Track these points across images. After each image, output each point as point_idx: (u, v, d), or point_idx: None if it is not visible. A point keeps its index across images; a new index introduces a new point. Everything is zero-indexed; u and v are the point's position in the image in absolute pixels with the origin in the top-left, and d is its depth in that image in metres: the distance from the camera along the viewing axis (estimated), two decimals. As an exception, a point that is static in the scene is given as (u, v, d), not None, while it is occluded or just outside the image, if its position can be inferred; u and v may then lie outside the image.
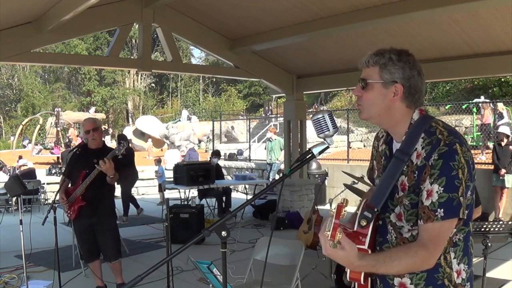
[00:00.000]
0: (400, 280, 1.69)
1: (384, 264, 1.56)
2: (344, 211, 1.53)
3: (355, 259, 1.53)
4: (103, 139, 4.78)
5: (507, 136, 8.70)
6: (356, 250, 1.54)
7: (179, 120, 26.76)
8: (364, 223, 1.61)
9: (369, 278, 1.73)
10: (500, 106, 12.73)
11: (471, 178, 1.59)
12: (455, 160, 1.55)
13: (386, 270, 1.58)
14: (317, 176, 10.98)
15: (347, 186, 5.58)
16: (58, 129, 22.42)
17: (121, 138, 9.49)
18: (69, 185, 4.60)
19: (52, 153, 20.23)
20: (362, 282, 1.64)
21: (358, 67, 1.76)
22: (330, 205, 6.88)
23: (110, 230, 4.57)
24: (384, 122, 1.75)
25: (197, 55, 45.24)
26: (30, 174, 11.55)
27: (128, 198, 9.62)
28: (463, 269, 1.68)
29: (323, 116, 1.70)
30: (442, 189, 1.55)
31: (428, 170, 1.58)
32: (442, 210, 1.55)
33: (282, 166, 11.81)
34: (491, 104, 12.78)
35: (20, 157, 14.99)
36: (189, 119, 26.10)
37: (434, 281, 1.65)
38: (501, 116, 12.40)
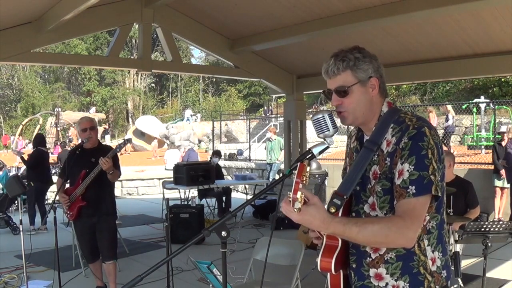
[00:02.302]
0: (375, 270, 1.71)
1: (356, 224, 1.55)
2: (307, 172, 1.53)
3: (326, 214, 1.53)
4: (102, 138, 4.79)
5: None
6: (324, 206, 1.55)
7: (180, 120, 26.79)
8: (333, 209, 1.62)
9: (341, 271, 1.74)
10: (448, 108, 12.84)
11: (440, 160, 1.63)
12: (424, 141, 1.61)
13: (358, 231, 1.54)
14: (317, 176, 10.97)
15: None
16: (58, 129, 22.44)
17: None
18: (67, 186, 4.58)
19: (51, 153, 20.22)
20: (333, 271, 1.64)
21: (325, 78, 1.78)
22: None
23: (108, 230, 4.51)
24: (367, 119, 1.77)
25: (197, 55, 45.27)
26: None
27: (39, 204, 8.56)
28: (438, 257, 1.69)
29: (323, 116, 1.71)
30: (413, 167, 1.59)
31: (399, 153, 1.63)
32: (413, 187, 1.58)
33: (282, 166, 11.81)
34: (491, 104, 12.80)
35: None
36: (193, 118, 26.19)
37: (410, 270, 1.67)
38: (447, 119, 12.53)
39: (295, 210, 1.48)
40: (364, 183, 1.73)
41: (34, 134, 23.68)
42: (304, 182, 1.51)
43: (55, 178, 11.78)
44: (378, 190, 1.69)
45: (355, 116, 1.75)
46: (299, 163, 1.56)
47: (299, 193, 1.47)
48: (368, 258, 1.72)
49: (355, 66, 1.70)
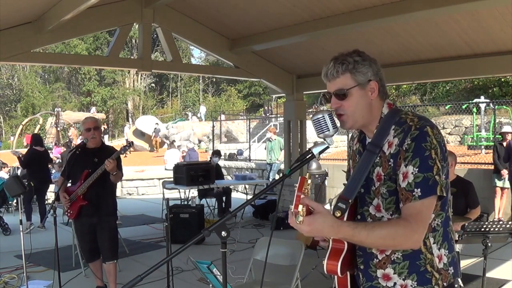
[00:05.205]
0: (383, 271, 1.72)
1: (364, 228, 1.57)
2: (308, 185, 1.55)
3: (334, 220, 1.54)
4: (102, 139, 4.79)
5: None
6: (330, 213, 1.56)
7: (180, 120, 26.82)
8: (338, 214, 1.63)
9: (348, 272, 1.74)
10: None
11: (444, 158, 1.64)
12: (427, 141, 1.61)
13: (367, 235, 1.56)
14: (317, 176, 10.97)
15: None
16: (58, 129, 22.44)
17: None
18: (68, 185, 4.58)
19: (51, 152, 20.21)
20: (339, 274, 1.65)
21: (324, 81, 1.79)
22: (330, 205, 6.89)
23: (109, 230, 4.51)
24: (367, 122, 1.77)
25: (197, 55, 45.29)
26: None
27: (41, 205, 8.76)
28: (444, 254, 1.70)
29: (323, 116, 1.71)
30: (417, 169, 1.60)
31: (402, 155, 1.63)
32: (419, 189, 1.59)
33: (282, 166, 11.81)
34: (491, 104, 12.76)
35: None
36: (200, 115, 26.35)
37: (417, 268, 1.68)
38: None
39: (298, 222, 1.49)
40: (368, 185, 1.73)
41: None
42: (306, 194, 1.54)
43: (55, 178, 11.79)
44: (383, 191, 1.69)
45: (355, 119, 1.74)
46: (300, 177, 1.58)
47: (300, 207, 1.49)
48: (375, 259, 1.73)
49: (354, 69, 1.71)
